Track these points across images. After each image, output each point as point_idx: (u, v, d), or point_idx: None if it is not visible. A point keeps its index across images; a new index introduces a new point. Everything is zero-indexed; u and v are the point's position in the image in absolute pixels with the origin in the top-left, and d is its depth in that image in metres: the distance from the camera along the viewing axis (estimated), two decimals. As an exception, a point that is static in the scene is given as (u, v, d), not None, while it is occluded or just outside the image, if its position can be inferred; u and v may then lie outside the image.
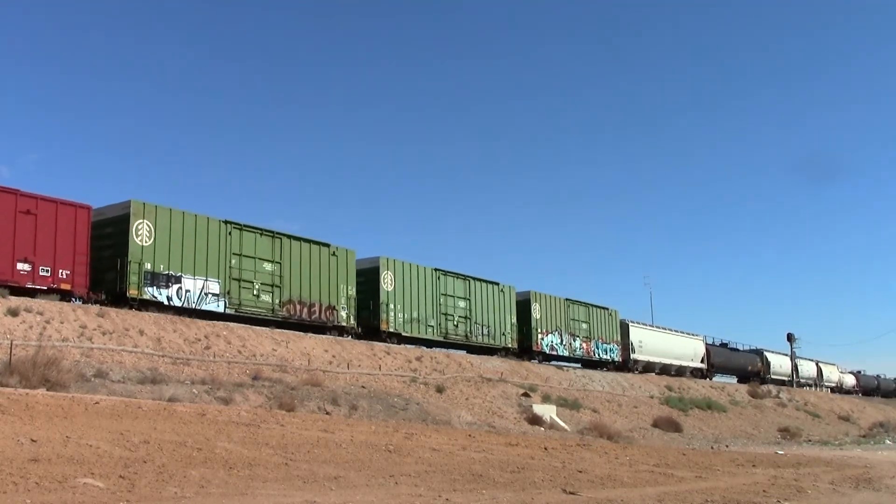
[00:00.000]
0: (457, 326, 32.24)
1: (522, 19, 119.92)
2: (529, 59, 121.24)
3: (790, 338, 62.90)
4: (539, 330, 36.41)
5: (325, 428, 14.13)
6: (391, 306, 29.36)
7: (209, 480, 8.11)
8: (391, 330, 29.28)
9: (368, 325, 28.79)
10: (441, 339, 31.53)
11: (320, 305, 27.06)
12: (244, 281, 24.74)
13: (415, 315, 30.34)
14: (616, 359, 41.73)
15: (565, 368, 36.77)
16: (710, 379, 50.67)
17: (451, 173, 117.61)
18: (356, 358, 25.38)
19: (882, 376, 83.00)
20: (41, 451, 8.42)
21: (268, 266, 25.54)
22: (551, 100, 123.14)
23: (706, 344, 52.04)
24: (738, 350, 56.88)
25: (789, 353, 61.99)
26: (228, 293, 24.13)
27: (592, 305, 40.64)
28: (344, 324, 27.69)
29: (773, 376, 57.33)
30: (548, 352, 36.89)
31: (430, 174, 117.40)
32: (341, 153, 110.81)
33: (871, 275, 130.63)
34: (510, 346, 34.43)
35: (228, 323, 23.79)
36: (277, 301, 25.63)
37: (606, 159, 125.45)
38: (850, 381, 73.53)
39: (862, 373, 78.70)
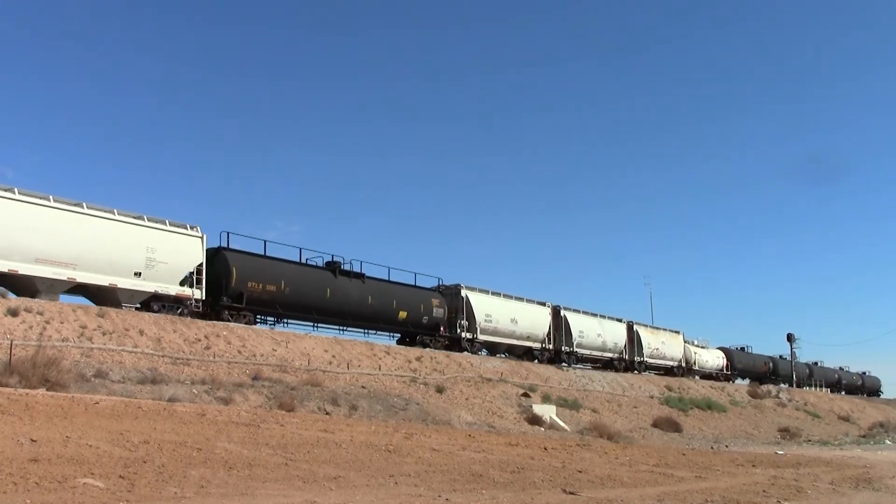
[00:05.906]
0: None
1: (521, 31, 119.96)
2: (533, 68, 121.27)
3: (790, 338, 62.76)
4: None
5: (325, 428, 14.12)
6: None
7: (209, 480, 8.11)
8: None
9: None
10: None
11: None
12: None
13: None
14: None
15: (565, 368, 36.76)
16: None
17: (457, 184, 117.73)
18: (356, 358, 25.38)
19: (781, 357, 60.68)
20: (41, 451, 8.41)
21: None
22: (554, 103, 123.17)
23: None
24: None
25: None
26: None
27: None
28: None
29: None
30: None
31: (436, 184, 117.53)
32: (350, 164, 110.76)
33: (871, 275, 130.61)
34: None
35: (228, 323, 23.77)
36: None
37: (606, 159, 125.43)
38: (713, 361, 50.26)
39: (747, 349, 56.40)
